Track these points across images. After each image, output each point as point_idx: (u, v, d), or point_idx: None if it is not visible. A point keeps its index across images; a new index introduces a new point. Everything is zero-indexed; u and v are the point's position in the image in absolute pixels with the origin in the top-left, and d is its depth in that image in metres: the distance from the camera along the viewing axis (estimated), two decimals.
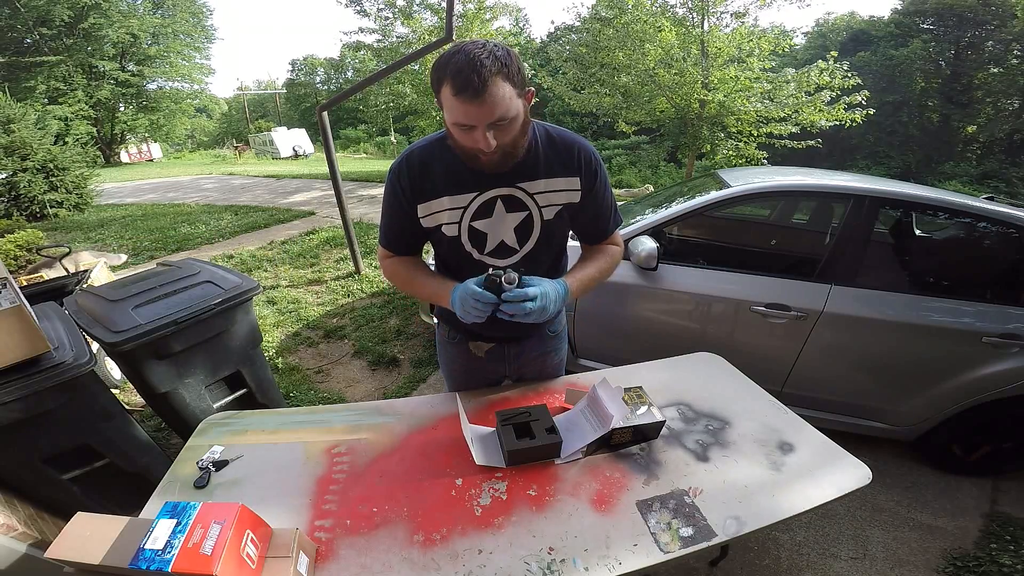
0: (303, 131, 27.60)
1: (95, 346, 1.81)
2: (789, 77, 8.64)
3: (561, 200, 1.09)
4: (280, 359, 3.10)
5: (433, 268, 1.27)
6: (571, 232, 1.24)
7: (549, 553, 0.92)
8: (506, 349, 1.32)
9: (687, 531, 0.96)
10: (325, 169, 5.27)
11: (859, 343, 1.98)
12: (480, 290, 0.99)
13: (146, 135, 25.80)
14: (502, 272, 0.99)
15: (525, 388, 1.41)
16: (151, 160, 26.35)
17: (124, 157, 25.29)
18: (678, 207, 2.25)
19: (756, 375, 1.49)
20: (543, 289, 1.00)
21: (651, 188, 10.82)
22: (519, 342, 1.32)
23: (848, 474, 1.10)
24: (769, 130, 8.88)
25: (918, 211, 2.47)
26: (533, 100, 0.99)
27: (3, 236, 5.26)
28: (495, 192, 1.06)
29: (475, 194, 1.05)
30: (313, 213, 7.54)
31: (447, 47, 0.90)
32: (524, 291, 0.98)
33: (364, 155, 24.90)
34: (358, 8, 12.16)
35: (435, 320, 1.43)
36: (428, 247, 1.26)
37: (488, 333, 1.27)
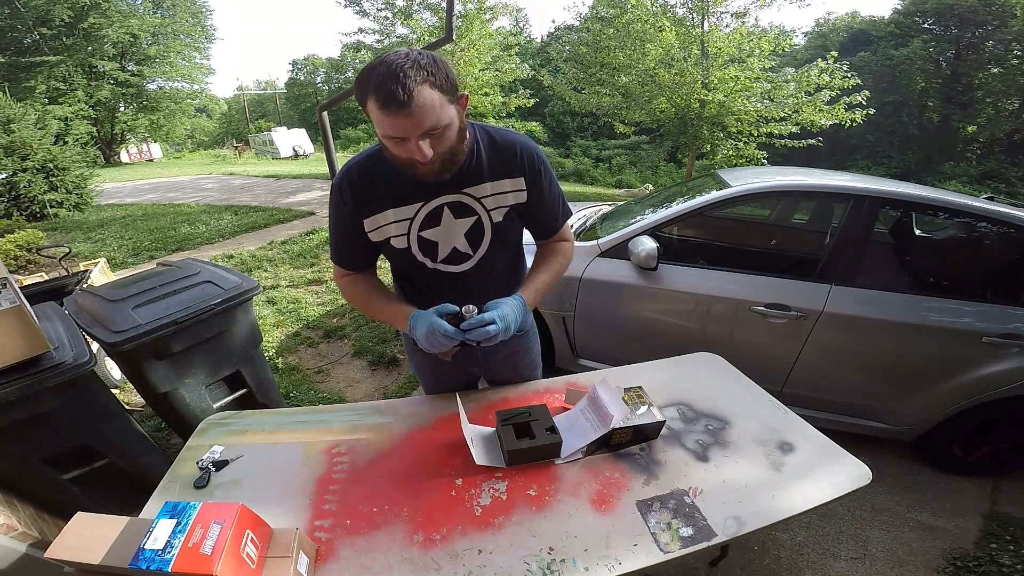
0: (303, 131, 27.59)
1: (95, 346, 1.81)
2: (789, 77, 8.65)
3: (509, 201, 1.09)
4: (280, 359, 3.10)
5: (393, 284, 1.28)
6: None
7: (549, 553, 0.92)
8: (473, 350, 1.30)
9: (687, 531, 0.96)
10: (325, 169, 5.28)
11: (859, 343, 1.98)
12: (448, 326, 1.01)
13: (146, 135, 25.78)
14: (458, 310, 1.04)
15: (525, 388, 1.41)
16: (151, 160, 26.36)
17: (124, 157, 25.29)
18: (678, 207, 2.25)
19: (756, 375, 1.49)
20: (501, 312, 1.03)
21: (651, 188, 10.84)
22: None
23: (848, 474, 1.10)
24: (769, 130, 8.88)
25: (918, 211, 2.47)
26: (468, 105, 0.98)
27: (3, 236, 5.26)
28: (441, 200, 1.05)
29: (420, 204, 1.04)
30: (313, 213, 7.54)
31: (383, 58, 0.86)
32: (482, 317, 1.01)
33: None
34: (357, 8, 12.18)
35: None
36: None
37: None
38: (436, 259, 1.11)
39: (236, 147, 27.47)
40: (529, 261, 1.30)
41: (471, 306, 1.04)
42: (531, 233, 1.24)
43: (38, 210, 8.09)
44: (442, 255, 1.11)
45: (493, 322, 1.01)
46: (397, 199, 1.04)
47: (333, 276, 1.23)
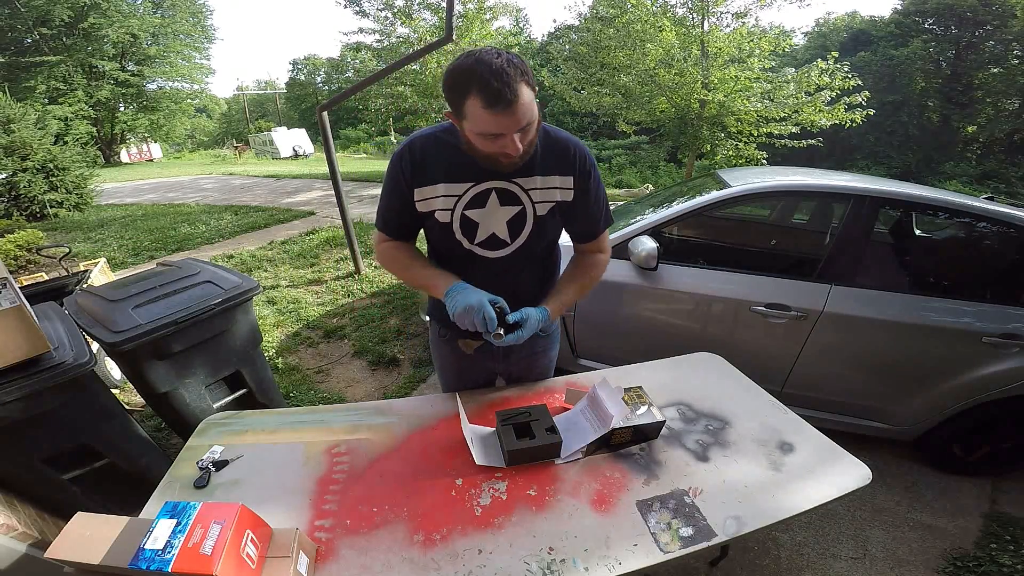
0: (303, 131, 27.62)
1: (95, 346, 1.81)
2: (789, 77, 8.65)
3: (555, 197, 1.12)
4: (280, 359, 3.10)
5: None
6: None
7: (549, 553, 0.92)
8: (494, 347, 1.32)
9: (687, 531, 0.96)
10: (325, 169, 5.28)
11: (859, 343, 1.98)
12: (492, 315, 1.04)
13: (146, 135, 25.80)
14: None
15: (525, 388, 1.41)
16: (151, 160, 26.38)
17: (124, 157, 25.30)
18: (678, 207, 2.25)
19: (756, 375, 1.49)
20: (518, 335, 1.09)
21: (651, 188, 10.83)
22: None
23: (848, 474, 1.10)
24: (769, 130, 8.88)
25: (918, 211, 2.47)
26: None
27: (3, 236, 5.26)
28: (491, 184, 1.08)
29: (471, 184, 1.08)
30: (313, 213, 7.54)
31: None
32: (500, 332, 1.07)
33: (364, 155, 24.90)
34: (357, 8, 12.18)
35: (427, 318, 1.45)
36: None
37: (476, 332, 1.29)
38: (473, 240, 1.14)
39: (236, 147, 27.49)
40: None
41: (500, 330, 1.08)
42: (570, 235, 1.26)
43: (38, 210, 8.09)
44: (480, 238, 1.13)
45: (513, 332, 1.08)
46: (451, 176, 1.08)
47: (373, 242, 1.26)
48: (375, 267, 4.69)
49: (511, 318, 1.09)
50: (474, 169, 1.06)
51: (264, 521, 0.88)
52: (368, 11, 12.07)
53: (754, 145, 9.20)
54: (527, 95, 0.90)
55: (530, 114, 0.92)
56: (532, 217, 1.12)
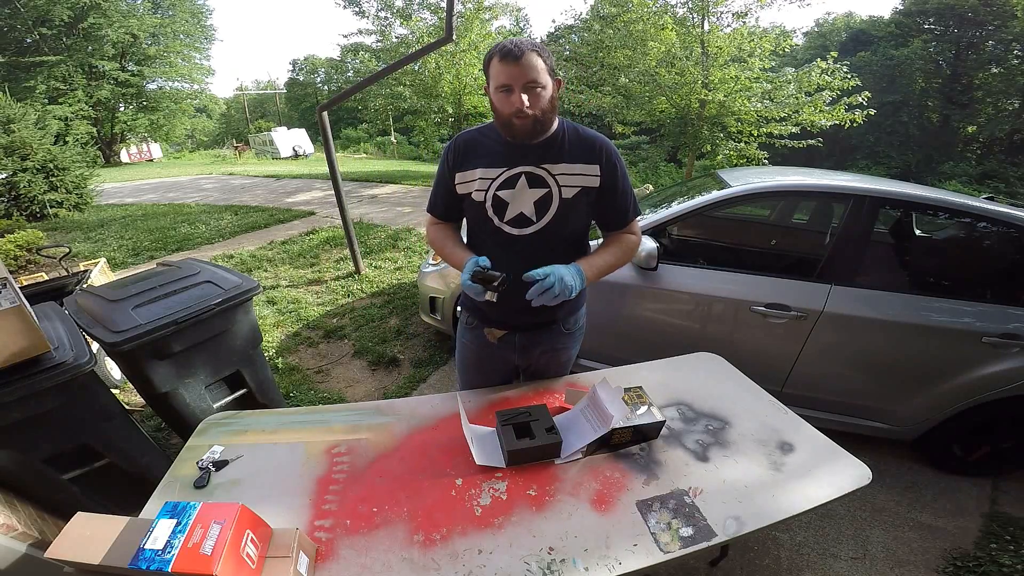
0: (303, 131, 27.59)
1: (95, 346, 1.81)
2: (789, 77, 8.65)
3: (580, 183, 1.22)
4: (280, 359, 3.10)
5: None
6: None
7: (549, 553, 0.92)
8: (516, 338, 1.38)
9: (687, 531, 0.97)
10: (325, 169, 5.28)
11: (859, 343, 1.98)
12: (468, 281, 1.14)
13: (146, 135, 25.76)
14: (496, 275, 1.13)
15: (525, 388, 1.41)
16: (151, 160, 26.36)
17: (124, 157, 25.28)
18: (678, 207, 2.25)
19: (756, 375, 1.49)
20: (553, 270, 1.13)
21: (651, 188, 10.83)
22: (532, 332, 1.37)
23: (848, 474, 1.10)
24: (769, 130, 8.88)
25: (918, 211, 2.47)
26: (561, 88, 1.20)
27: (3, 236, 5.26)
28: (521, 169, 1.21)
29: (504, 169, 1.22)
30: (313, 213, 7.54)
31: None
32: (533, 273, 1.11)
33: (364, 155, 24.86)
34: (356, 9, 12.17)
35: (458, 309, 1.51)
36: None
37: (502, 319, 1.35)
38: (503, 218, 1.24)
39: (236, 147, 27.45)
40: None
41: (502, 276, 1.13)
42: (600, 224, 1.37)
43: (38, 210, 8.08)
44: (508, 216, 1.24)
45: (545, 278, 1.10)
46: (487, 162, 1.24)
47: (425, 224, 1.45)
48: (375, 267, 4.69)
49: (538, 273, 1.12)
50: (507, 156, 1.21)
51: (264, 521, 0.88)
52: (367, 11, 12.06)
53: (755, 145, 9.20)
54: (535, 59, 1.09)
55: (535, 73, 1.09)
56: (558, 199, 1.22)
